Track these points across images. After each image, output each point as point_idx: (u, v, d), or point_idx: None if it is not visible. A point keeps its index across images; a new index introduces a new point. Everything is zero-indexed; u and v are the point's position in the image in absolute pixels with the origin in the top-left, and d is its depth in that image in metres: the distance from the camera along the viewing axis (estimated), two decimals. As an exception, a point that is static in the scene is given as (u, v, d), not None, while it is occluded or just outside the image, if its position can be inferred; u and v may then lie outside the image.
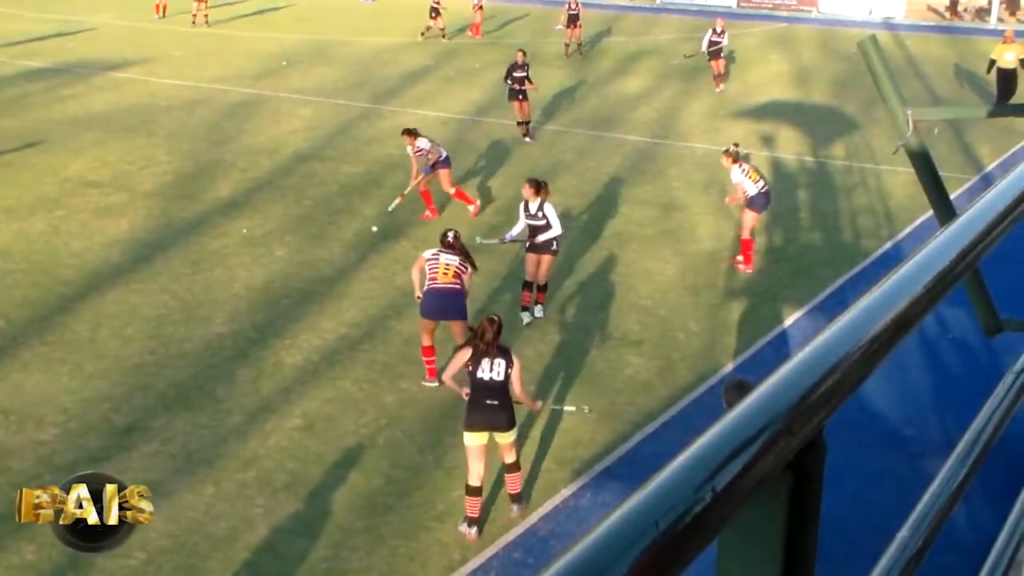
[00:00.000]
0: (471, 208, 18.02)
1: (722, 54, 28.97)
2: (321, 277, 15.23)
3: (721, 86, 28.52)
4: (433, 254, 12.11)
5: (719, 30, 29.01)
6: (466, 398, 9.68)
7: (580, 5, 33.60)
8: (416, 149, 17.52)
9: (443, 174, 17.73)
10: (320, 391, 11.96)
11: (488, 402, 9.42)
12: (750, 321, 14.07)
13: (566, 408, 11.57)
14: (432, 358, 12.04)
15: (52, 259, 15.68)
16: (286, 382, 12.19)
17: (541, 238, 13.71)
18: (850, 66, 28.16)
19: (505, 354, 9.60)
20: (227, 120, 24.43)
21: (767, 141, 23.26)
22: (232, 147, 22.25)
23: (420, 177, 17.59)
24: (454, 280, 11.82)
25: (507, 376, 9.50)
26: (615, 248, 16.72)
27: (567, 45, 33.50)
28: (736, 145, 16.59)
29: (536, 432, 11.11)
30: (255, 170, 20.53)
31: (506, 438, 9.52)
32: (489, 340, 9.57)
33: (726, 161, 15.93)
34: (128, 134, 22.96)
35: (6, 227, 16.96)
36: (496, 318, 9.92)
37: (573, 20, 33.22)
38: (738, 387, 8.09)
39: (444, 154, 17.66)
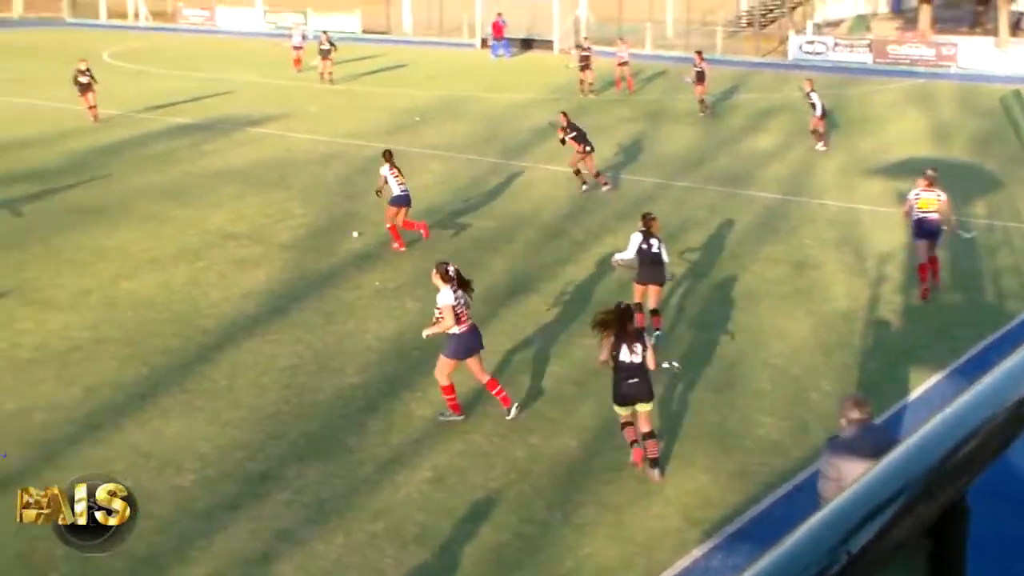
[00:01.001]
0: (397, 245, 19.13)
1: (816, 112, 28.18)
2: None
3: (820, 144, 28.01)
4: (457, 298, 12.24)
5: (808, 90, 28.33)
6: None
7: (705, 62, 33.52)
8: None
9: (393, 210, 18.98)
10: (450, 444, 12.02)
11: (630, 380, 11.03)
12: (886, 382, 13.75)
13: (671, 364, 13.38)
14: (455, 395, 12.48)
15: (192, 309, 16.10)
16: (416, 434, 12.28)
17: (654, 267, 14.79)
18: (991, 122, 27.56)
19: (641, 338, 11.25)
20: (360, 174, 24.89)
21: (904, 199, 22.80)
22: (365, 200, 22.60)
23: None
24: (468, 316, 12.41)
25: (644, 357, 11.06)
26: (746, 306, 16.53)
27: (701, 102, 33.43)
28: (934, 170, 16.92)
29: (667, 491, 11.00)
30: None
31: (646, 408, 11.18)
32: (629, 328, 11.22)
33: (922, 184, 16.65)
34: (265, 188, 23.57)
35: (150, 278, 17.49)
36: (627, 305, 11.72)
37: (700, 77, 33.15)
38: (856, 403, 8.17)
39: (398, 192, 18.87)
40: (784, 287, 17.46)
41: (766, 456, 11.84)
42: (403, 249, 19.03)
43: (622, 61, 38.18)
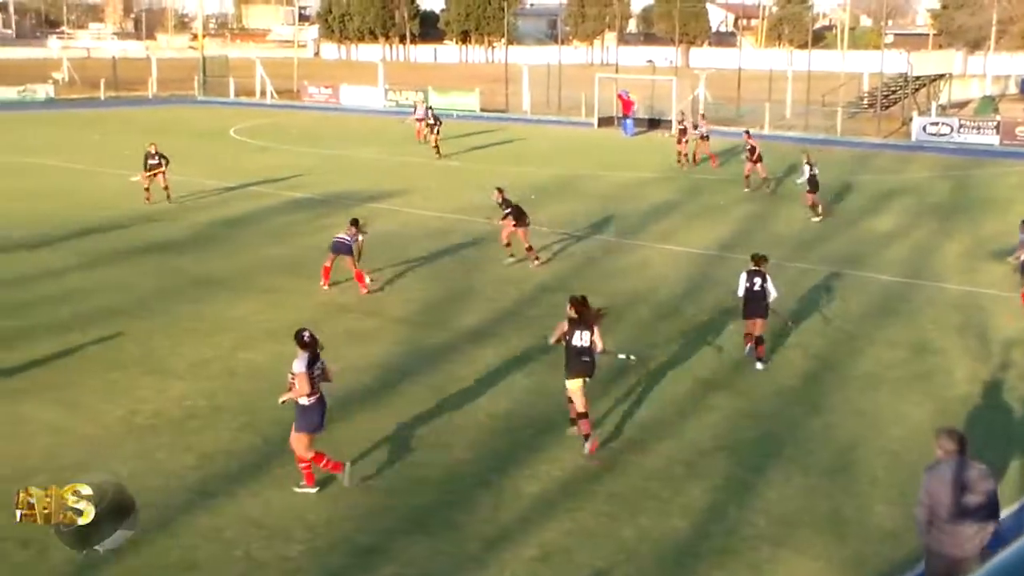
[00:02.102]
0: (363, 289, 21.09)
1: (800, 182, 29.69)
2: (562, 409, 15.21)
3: (817, 216, 29.10)
4: (311, 366, 12.15)
5: (812, 161, 29.51)
6: None
7: (754, 139, 34.25)
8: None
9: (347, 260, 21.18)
10: (558, 522, 11.91)
11: (583, 358, 13.42)
12: (1010, 471, 13.30)
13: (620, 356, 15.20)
14: (311, 465, 12.44)
15: (306, 380, 16.28)
16: (525, 511, 12.19)
17: (759, 303, 16.78)
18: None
19: (590, 327, 13.46)
20: (475, 250, 25.11)
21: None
22: (480, 276, 22.83)
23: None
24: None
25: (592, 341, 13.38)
26: (863, 389, 16.19)
27: (746, 178, 34.09)
28: None
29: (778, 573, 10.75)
30: (502, 299, 20.97)
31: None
32: (577, 318, 13.50)
33: None
34: (381, 261, 23.86)
35: (268, 348, 17.76)
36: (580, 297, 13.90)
37: (753, 154, 33.62)
38: (951, 436, 8.91)
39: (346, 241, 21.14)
40: (903, 371, 17.07)
41: (881, 545, 11.51)
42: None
43: (703, 136, 39.30)
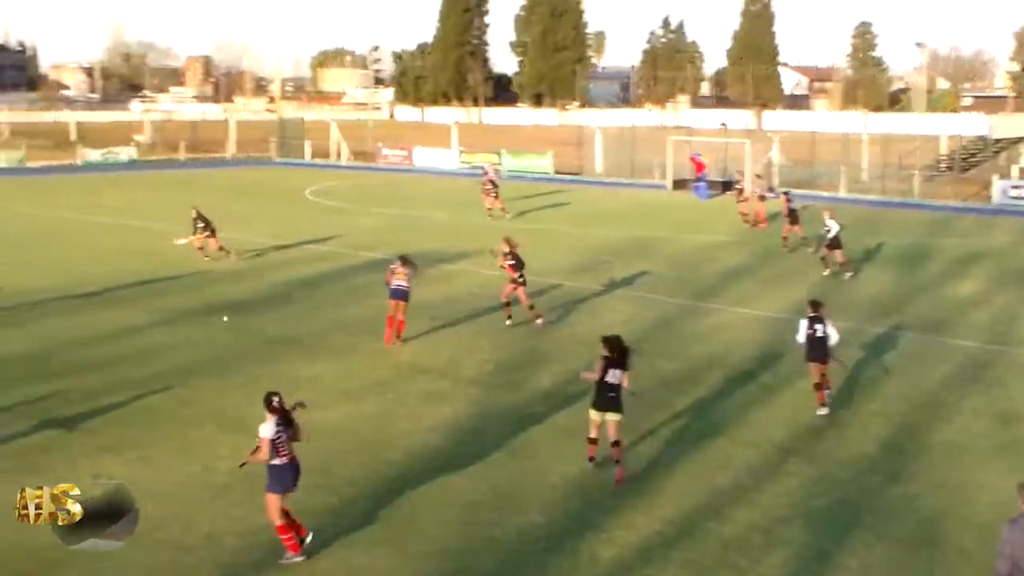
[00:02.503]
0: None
1: (840, 244, 29.91)
2: (635, 472, 15.11)
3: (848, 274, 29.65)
4: (278, 432, 12.02)
5: (828, 217, 30.05)
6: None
7: (791, 202, 34.82)
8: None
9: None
10: (633, 588, 11.74)
11: (609, 394, 14.61)
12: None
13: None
14: (291, 534, 12.14)
15: (380, 440, 16.31)
16: (600, 576, 12.06)
17: (820, 347, 17.46)
18: None
19: (623, 365, 14.67)
20: (549, 312, 25.04)
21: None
22: (553, 338, 22.77)
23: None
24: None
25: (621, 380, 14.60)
26: (946, 459, 15.84)
27: (784, 238, 34.42)
28: None
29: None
30: (574, 362, 20.79)
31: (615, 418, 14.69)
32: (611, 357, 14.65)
33: None
34: (456, 323, 23.92)
35: (342, 408, 17.83)
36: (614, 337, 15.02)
37: (793, 216, 34.06)
38: None
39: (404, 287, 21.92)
40: (989, 440, 16.68)
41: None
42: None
43: (761, 197, 40.17)
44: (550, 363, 20.85)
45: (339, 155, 76.65)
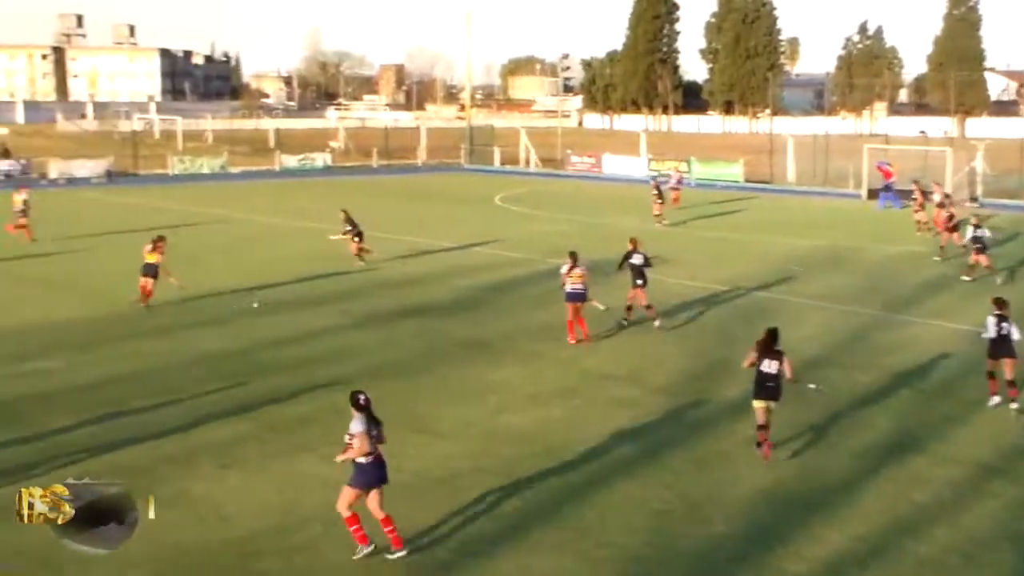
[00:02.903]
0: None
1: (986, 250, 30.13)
2: (827, 485, 14.74)
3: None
4: (369, 427, 12.21)
5: (973, 223, 30.37)
6: None
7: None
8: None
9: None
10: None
11: (767, 384, 15.67)
12: None
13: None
14: (359, 525, 12.29)
15: (567, 445, 16.29)
16: (786, 592, 11.79)
17: (1004, 343, 18.05)
18: None
19: (778, 356, 15.70)
20: (737, 321, 24.70)
21: None
22: (742, 347, 22.30)
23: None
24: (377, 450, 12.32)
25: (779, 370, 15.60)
26: None
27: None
28: None
29: None
30: (764, 372, 20.48)
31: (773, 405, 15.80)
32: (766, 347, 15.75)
33: None
34: (649, 330, 23.75)
35: (529, 412, 17.91)
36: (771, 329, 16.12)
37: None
38: None
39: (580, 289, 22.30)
40: None
41: None
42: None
43: (939, 204, 38.24)
44: (740, 373, 20.43)
45: (528, 162, 77.26)
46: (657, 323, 23.86)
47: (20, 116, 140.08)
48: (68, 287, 29.08)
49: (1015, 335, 18.07)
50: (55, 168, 62.61)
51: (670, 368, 20.95)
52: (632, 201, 52.01)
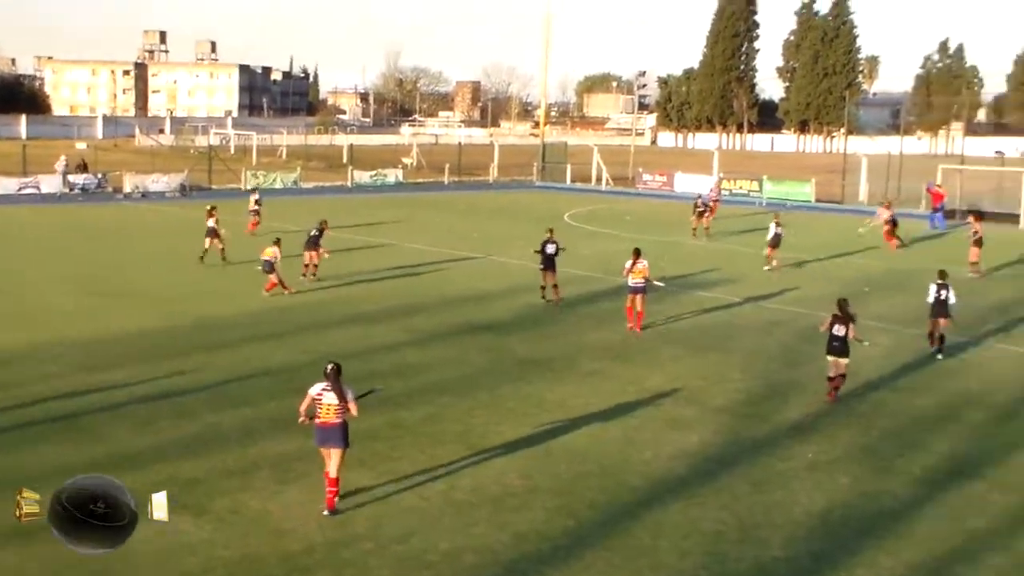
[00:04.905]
0: None
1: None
2: (883, 511, 14.62)
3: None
4: (318, 393, 13.91)
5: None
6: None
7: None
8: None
9: None
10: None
11: (834, 343, 19.56)
12: None
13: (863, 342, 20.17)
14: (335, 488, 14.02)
15: (623, 465, 16.30)
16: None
17: (943, 308, 22.95)
18: None
19: (846, 321, 19.55)
20: (804, 343, 24.53)
21: None
22: (807, 370, 22.24)
23: None
24: (335, 417, 13.88)
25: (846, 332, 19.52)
26: None
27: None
28: None
29: None
30: (825, 394, 20.36)
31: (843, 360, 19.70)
32: (840, 315, 19.72)
33: None
34: (705, 351, 23.74)
35: (586, 431, 17.93)
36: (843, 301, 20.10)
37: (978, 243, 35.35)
38: None
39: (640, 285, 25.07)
40: None
41: None
42: None
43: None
44: (801, 395, 20.41)
45: (599, 180, 77.27)
46: (556, 301, 28.51)
47: (99, 131, 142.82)
48: (138, 298, 29.53)
49: (951, 299, 23.13)
50: (130, 182, 63.66)
51: (730, 388, 20.87)
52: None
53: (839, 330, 19.43)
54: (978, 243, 35.52)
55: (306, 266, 32.24)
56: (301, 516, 14.05)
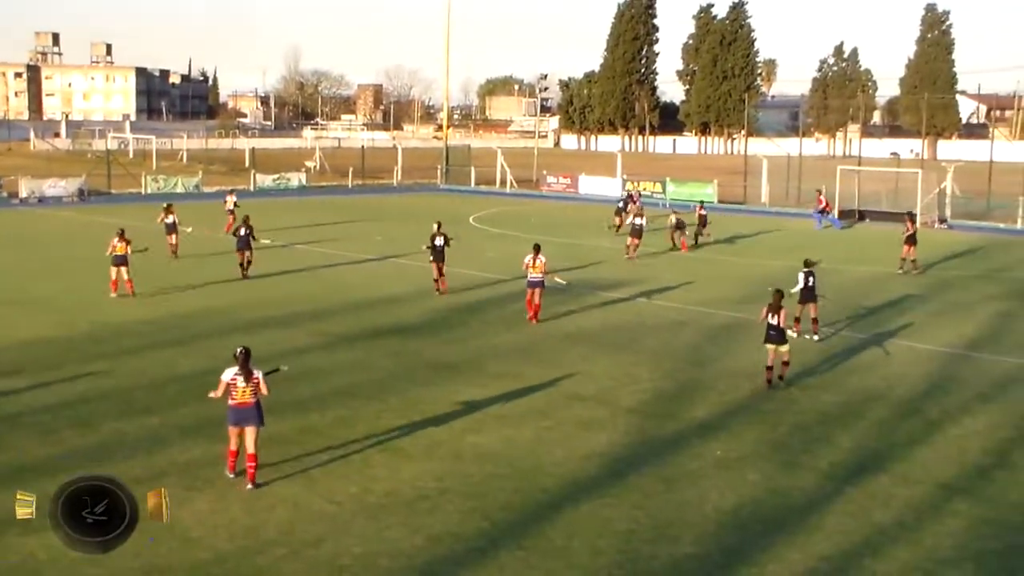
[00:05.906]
0: None
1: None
2: (792, 506, 14.83)
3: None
4: (232, 378, 14.95)
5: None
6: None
7: (915, 225, 36.74)
8: None
9: None
10: (785, 626, 11.49)
11: (771, 332, 20.57)
12: None
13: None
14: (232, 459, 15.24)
15: (535, 466, 16.32)
16: (750, 612, 11.83)
17: (811, 293, 24.92)
18: None
19: (779, 311, 20.56)
20: (710, 342, 24.82)
21: None
22: (713, 369, 22.51)
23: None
24: (251, 398, 14.98)
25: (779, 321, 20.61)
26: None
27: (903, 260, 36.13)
28: None
29: None
30: (733, 393, 20.62)
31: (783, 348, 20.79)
32: (774, 305, 20.72)
33: None
34: (614, 351, 23.88)
35: (497, 433, 17.92)
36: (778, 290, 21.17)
37: (911, 240, 35.92)
38: None
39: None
40: None
41: None
42: None
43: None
44: (709, 394, 20.62)
45: (504, 183, 77.38)
46: (443, 291, 30.32)
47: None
48: (37, 306, 28.87)
49: (817, 288, 25.10)
50: (26, 187, 62.19)
51: (640, 389, 21.00)
52: (607, 221, 52.19)
53: (775, 319, 20.50)
54: (910, 240, 35.83)
55: (241, 264, 33.57)
56: (211, 524, 13.83)
